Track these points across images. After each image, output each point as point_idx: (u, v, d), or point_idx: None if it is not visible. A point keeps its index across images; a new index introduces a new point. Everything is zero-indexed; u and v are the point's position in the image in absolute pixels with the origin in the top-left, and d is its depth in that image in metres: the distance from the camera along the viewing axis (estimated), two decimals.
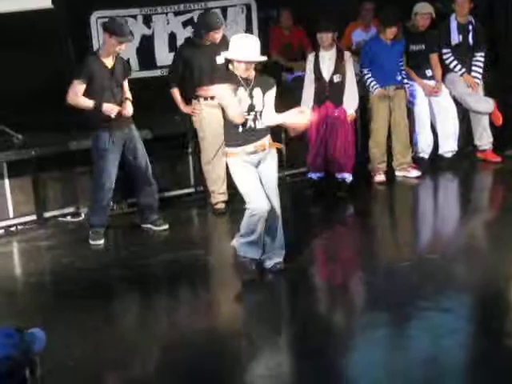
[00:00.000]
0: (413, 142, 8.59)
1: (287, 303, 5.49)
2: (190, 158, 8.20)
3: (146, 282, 6.20)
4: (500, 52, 9.57)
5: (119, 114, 6.76)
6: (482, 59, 8.67)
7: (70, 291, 5.96)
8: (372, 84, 8.17)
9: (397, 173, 8.42)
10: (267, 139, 5.76)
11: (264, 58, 5.78)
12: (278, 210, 5.85)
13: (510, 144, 8.89)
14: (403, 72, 8.28)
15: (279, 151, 6.14)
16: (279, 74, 8.75)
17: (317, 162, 8.00)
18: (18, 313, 5.50)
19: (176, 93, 7.46)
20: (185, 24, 8.83)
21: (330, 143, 7.89)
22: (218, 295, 6.03)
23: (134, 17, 8.40)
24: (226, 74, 5.75)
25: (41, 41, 7.97)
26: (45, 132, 7.49)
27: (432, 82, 8.60)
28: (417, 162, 8.55)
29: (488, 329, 5.02)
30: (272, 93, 5.71)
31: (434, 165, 8.65)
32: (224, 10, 8.38)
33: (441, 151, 8.74)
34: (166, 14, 8.75)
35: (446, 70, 8.65)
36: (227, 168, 6.15)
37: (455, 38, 8.60)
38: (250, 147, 5.66)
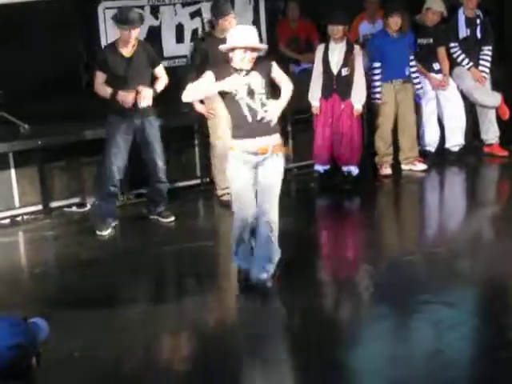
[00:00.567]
0: (419, 136, 8.58)
1: (291, 295, 5.48)
2: (197, 149, 8.21)
3: (152, 272, 6.21)
4: (508, 46, 9.54)
5: (134, 103, 6.77)
6: (490, 53, 8.64)
7: (75, 281, 5.97)
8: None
9: (403, 166, 8.40)
10: (272, 141, 5.41)
11: (264, 46, 5.70)
12: (274, 218, 5.45)
13: None
14: (413, 66, 8.25)
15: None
16: (286, 66, 8.72)
17: (323, 154, 8.00)
18: (22, 302, 5.50)
19: None
20: (192, 15, 8.82)
21: (337, 136, 7.89)
22: (225, 286, 6.03)
23: (142, 8, 8.37)
24: (220, 65, 5.53)
25: (48, 31, 7.98)
26: (51, 122, 7.49)
27: (439, 76, 8.57)
28: (423, 155, 8.54)
29: (492, 323, 5.02)
30: (275, 70, 5.43)
31: (440, 158, 8.63)
32: (232, 0, 8.34)
33: (447, 145, 8.72)
34: (174, 5, 8.74)
35: (453, 63, 8.63)
36: None
37: (463, 32, 8.58)
38: (253, 146, 5.37)
